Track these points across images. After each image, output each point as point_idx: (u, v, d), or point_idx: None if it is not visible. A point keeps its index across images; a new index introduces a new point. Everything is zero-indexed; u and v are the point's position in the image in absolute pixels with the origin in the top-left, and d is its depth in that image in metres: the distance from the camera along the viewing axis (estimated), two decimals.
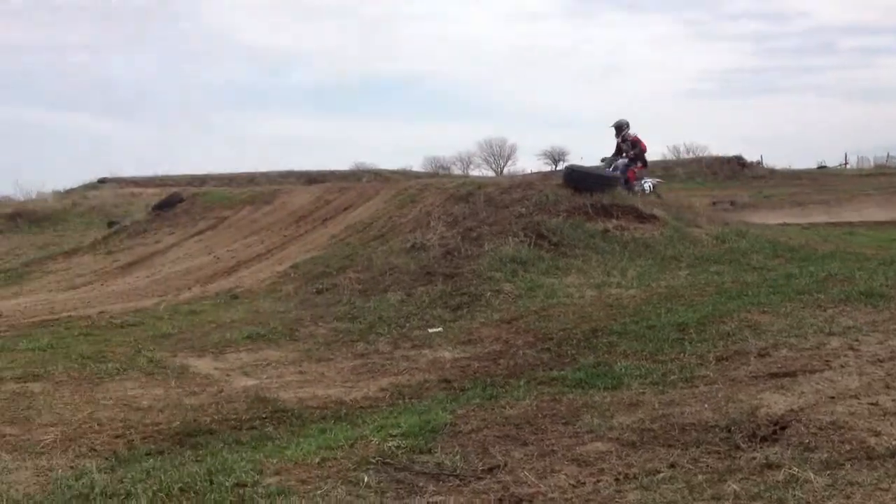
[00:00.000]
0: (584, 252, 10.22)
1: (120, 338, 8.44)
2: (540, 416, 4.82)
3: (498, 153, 65.16)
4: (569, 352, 6.71)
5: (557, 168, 47.80)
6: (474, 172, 58.80)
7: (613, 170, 16.03)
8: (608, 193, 11.74)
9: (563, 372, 6.13)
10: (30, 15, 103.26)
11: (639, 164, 16.26)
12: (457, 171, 58.45)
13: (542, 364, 6.51)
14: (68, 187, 31.09)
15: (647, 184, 16.58)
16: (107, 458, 4.80)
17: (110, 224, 19.30)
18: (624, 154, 16.00)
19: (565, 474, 3.82)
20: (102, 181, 31.93)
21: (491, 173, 60.05)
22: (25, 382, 6.65)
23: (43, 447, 5.06)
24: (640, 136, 16.31)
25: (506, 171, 60.92)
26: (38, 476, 4.51)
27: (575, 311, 7.95)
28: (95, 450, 5.01)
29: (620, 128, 16.30)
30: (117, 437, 5.27)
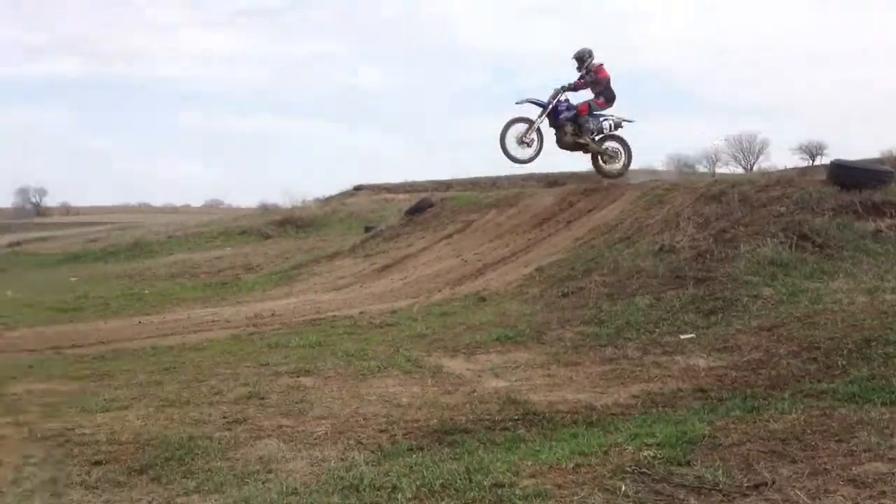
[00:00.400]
0: (853, 254, 9.40)
1: (379, 337, 8.95)
2: (809, 431, 4.50)
3: (748, 149, 61.77)
4: (838, 363, 6.20)
5: (815, 163, 44.41)
6: (721, 170, 56.06)
7: (558, 103, 13.77)
8: (880, 190, 10.72)
9: (832, 384, 5.69)
10: (296, 29, 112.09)
11: (600, 100, 13.85)
12: (702, 169, 56.01)
13: (808, 375, 6.07)
14: (328, 195, 33.47)
15: (609, 122, 14.05)
16: (372, 452, 5.09)
17: (367, 229, 20.53)
18: (589, 87, 13.76)
19: (841, 496, 3.54)
20: (358, 188, 33.95)
21: (740, 170, 57.02)
22: (298, 377, 7.24)
23: (315, 439, 5.47)
24: (605, 67, 13.79)
25: (756, 167, 57.57)
26: (312, 466, 4.87)
27: (844, 319, 7.33)
28: (362, 443, 5.33)
29: (582, 58, 13.83)
30: (381, 431, 5.57)
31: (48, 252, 30.08)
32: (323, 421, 5.87)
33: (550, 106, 13.86)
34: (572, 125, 13.95)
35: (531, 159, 14.11)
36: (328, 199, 32.04)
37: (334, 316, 10.49)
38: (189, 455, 5.12)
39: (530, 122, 13.92)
